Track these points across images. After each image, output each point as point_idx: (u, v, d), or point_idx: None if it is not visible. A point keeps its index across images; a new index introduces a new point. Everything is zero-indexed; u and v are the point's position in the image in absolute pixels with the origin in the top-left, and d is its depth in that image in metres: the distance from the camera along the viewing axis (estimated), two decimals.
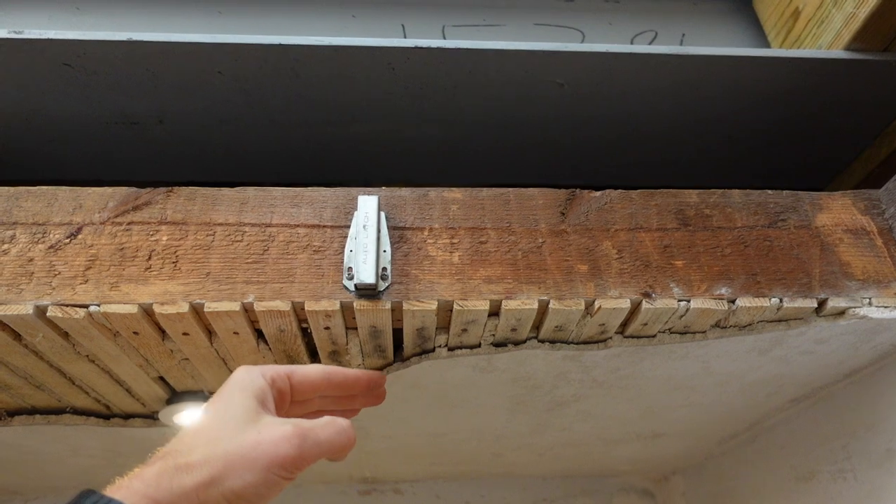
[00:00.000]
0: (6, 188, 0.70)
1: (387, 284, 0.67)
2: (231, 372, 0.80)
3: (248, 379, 0.51)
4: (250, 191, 0.73)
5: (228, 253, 0.68)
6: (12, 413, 0.89)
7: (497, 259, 0.71)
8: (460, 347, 0.76)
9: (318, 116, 0.95)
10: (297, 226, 0.71)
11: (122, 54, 0.80)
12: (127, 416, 0.93)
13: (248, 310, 0.66)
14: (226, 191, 0.72)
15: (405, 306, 0.67)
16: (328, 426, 0.49)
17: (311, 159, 1.03)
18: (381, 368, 0.80)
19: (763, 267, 0.73)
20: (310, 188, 0.74)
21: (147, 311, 0.65)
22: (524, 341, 0.75)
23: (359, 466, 1.31)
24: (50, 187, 0.71)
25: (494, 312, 0.70)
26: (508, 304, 0.68)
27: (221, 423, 0.46)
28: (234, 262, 0.67)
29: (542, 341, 0.76)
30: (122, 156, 0.99)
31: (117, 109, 0.90)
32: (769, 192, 0.79)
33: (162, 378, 0.82)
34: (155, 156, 0.99)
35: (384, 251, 0.69)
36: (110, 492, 0.41)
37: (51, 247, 0.67)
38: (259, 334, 0.71)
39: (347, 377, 0.57)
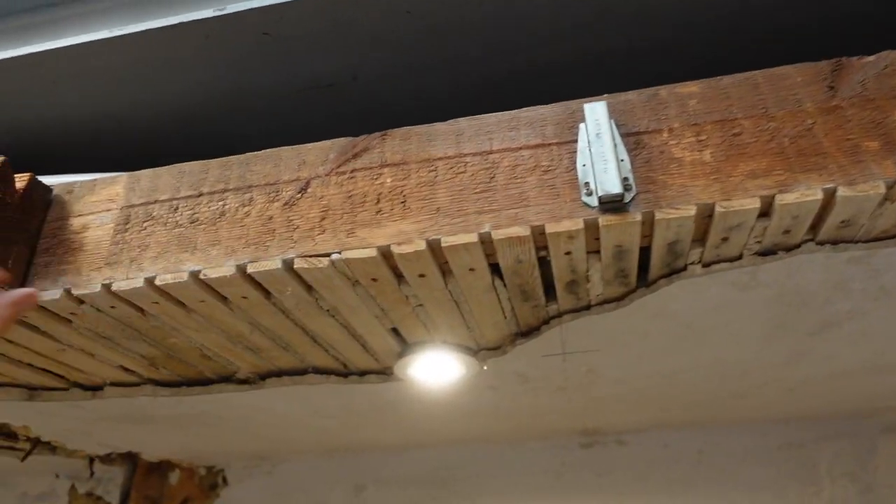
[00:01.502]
0: (238, 156, 0.72)
1: (632, 195, 0.59)
2: (462, 316, 0.77)
3: None
4: (463, 122, 0.69)
5: (454, 186, 0.64)
6: (263, 376, 0.95)
7: (758, 150, 0.60)
8: (718, 261, 0.66)
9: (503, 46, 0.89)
10: (520, 148, 0.65)
11: (316, 10, 0.79)
12: (363, 373, 0.95)
13: (484, 241, 0.62)
14: (438, 125, 0.69)
15: (658, 216, 0.58)
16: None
17: (498, 93, 0.97)
18: (622, 298, 0.73)
19: None
20: (524, 109, 0.68)
21: (385, 254, 0.63)
22: (798, 245, 0.63)
23: (581, 416, 1.26)
24: (274, 149, 0.72)
25: (764, 213, 0.59)
26: (783, 199, 0.57)
27: None
28: (462, 195, 0.64)
29: (822, 243, 0.63)
30: (317, 123, 1.01)
31: (312, 74, 0.91)
32: None
33: (395, 330, 0.81)
34: (349, 117, 1.00)
35: (621, 160, 0.61)
36: None
37: (285, 203, 0.68)
38: (494, 270, 0.67)
39: None
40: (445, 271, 0.67)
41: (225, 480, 1.58)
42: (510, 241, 0.61)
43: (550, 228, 0.60)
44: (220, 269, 0.65)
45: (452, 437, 1.38)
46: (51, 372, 0.89)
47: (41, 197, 0.73)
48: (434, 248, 0.62)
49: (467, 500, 1.43)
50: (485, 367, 0.90)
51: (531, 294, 0.71)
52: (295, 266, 0.64)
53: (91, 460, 1.42)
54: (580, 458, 1.42)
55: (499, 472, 1.45)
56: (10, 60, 0.86)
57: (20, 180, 0.71)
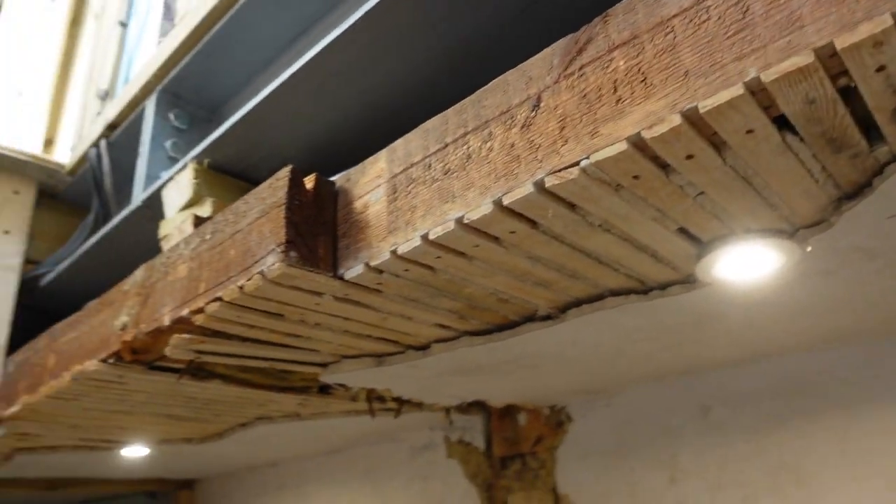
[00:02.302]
0: (468, 98, 0.72)
1: None
2: (758, 194, 0.65)
3: None
4: None
5: (699, 39, 0.53)
6: (563, 309, 0.94)
7: None
8: None
9: None
10: None
11: None
12: (664, 286, 0.87)
13: (754, 90, 0.50)
14: None
15: None
16: None
17: None
18: None
19: None
20: None
21: (637, 144, 0.56)
22: None
23: None
24: (499, 77, 0.69)
25: None
26: None
27: None
28: (712, 46, 0.52)
29: None
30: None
31: None
32: None
33: (683, 230, 0.72)
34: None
35: None
36: None
37: (522, 126, 0.65)
38: (780, 123, 0.54)
39: None
40: (717, 144, 0.56)
41: (569, 417, 1.64)
42: (789, 78, 0.48)
43: (843, 42, 0.45)
44: (478, 209, 0.66)
45: (797, 340, 1.19)
46: (385, 339, 1.02)
47: (328, 191, 0.83)
48: (692, 118, 0.53)
49: (840, 408, 1.23)
50: (808, 249, 0.74)
51: (843, 140, 0.55)
52: (547, 185, 0.61)
53: (447, 411, 1.61)
54: None
55: (869, 373, 1.20)
56: (282, 87, 1.00)
57: (309, 181, 0.82)
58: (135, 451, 1.97)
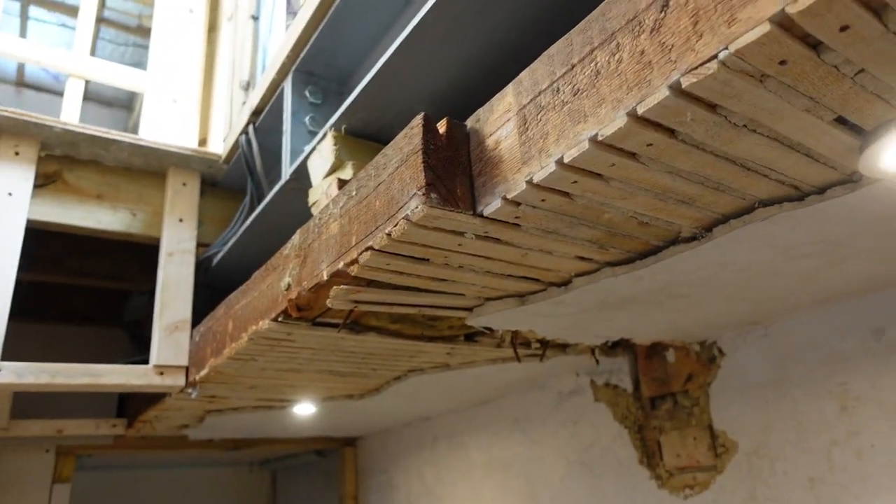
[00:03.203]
0: (591, 14, 0.70)
1: None
2: None
3: None
4: None
5: None
6: (708, 228, 0.90)
7: None
8: None
9: None
10: None
11: None
12: (822, 190, 0.81)
13: None
14: None
15: None
16: None
17: None
18: None
19: None
20: None
21: (782, 24, 0.52)
22: None
23: None
24: None
25: None
26: None
27: None
28: None
29: None
30: None
31: None
32: None
33: (841, 119, 0.67)
34: None
35: None
36: None
37: (652, 30, 0.63)
38: None
39: None
40: (876, 7, 0.51)
41: (721, 352, 1.58)
42: None
43: None
44: (612, 124, 0.65)
45: None
46: (526, 277, 1.04)
47: (461, 133, 0.86)
48: None
49: None
50: None
51: None
52: (683, 86, 0.59)
53: (592, 352, 1.61)
54: None
55: None
56: (405, 43, 1.04)
57: (441, 126, 0.85)
58: (304, 409, 2.17)
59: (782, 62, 0.56)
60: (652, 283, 1.07)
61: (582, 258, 0.98)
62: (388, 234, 0.86)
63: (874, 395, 1.29)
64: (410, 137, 0.84)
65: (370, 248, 0.90)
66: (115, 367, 1.69)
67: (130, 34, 5.79)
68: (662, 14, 0.62)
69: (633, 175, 0.74)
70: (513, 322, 1.26)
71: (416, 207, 0.80)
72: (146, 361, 1.74)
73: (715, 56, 0.56)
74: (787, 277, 1.13)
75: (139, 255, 2.23)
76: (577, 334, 1.42)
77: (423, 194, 0.79)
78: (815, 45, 0.55)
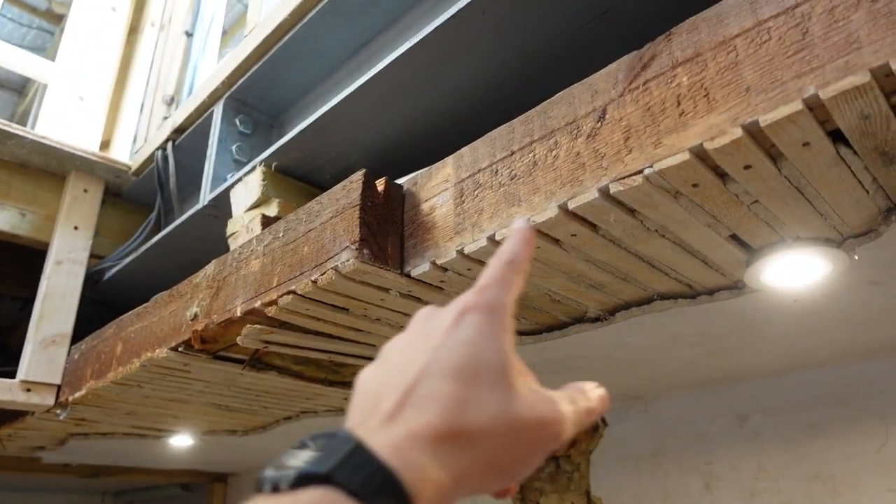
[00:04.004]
0: (535, 108, 0.77)
1: None
2: (810, 203, 0.69)
3: (500, 318, 0.35)
4: None
5: (760, 59, 0.58)
6: (612, 312, 0.98)
7: None
8: None
9: None
10: None
11: None
12: (711, 292, 0.91)
13: (812, 106, 0.54)
14: (725, 2, 0.63)
15: None
16: (587, 400, 0.39)
17: None
18: None
19: None
20: None
21: (699, 155, 0.60)
22: None
23: None
24: (565, 90, 0.74)
25: None
26: None
27: (489, 376, 0.33)
28: (772, 64, 0.57)
29: None
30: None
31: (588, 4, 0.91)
32: None
33: (735, 237, 0.76)
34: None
35: None
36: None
37: (588, 136, 0.70)
38: (835, 137, 0.58)
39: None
40: (774, 155, 0.61)
41: (604, 422, 1.68)
42: (846, 95, 0.52)
43: None
44: (544, 212, 0.71)
45: (839, 350, 1.22)
46: None
47: (397, 193, 0.89)
48: (753, 131, 0.57)
49: (878, 419, 1.25)
50: (856, 258, 0.78)
51: (894, 154, 0.59)
52: (611, 192, 0.66)
53: None
54: None
55: None
56: (348, 98, 1.07)
57: (380, 184, 0.88)
58: (180, 441, 2.06)
59: (695, 185, 0.64)
60: (554, 353, 1.14)
61: None
62: (314, 282, 0.87)
63: (734, 477, 1.42)
64: (349, 191, 0.87)
65: (292, 291, 0.90)
66: None
67: (37, 16, 5.42)
68: (599, 124, 0.69)
69: (554, 258, 0.80)
70: None
71: (348, 260, 0.82)
72: (10, 374, 1.59)
73: (641, 171, 0.63)
74: (671, 361, 1.24)
75: (17, 258, 2.06)
76: None
77: (357, 248, 0.81)
78: (722, 175, 0.64)
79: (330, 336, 1.07)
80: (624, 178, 0.65)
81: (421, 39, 0.96)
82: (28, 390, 1.56)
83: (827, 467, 1.32)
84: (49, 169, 1.79)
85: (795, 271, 0.82)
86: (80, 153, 1.75)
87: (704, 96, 0.61)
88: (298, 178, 1.26)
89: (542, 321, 1.02)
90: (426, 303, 0.92)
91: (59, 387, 1.60)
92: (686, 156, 0.60)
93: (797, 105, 0.54)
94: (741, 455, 1.43)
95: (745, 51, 0.59)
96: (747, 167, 0.61)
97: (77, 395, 1.50)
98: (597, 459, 1.67)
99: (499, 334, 0.34)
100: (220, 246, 1.29)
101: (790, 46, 0.56)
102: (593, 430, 1.68)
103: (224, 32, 2.37)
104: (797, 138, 0.57)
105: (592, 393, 0.40)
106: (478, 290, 0.36)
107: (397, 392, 0.32)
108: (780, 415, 1.39)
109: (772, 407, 1.40)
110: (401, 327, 1.02)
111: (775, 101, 0.56)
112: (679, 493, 1.51)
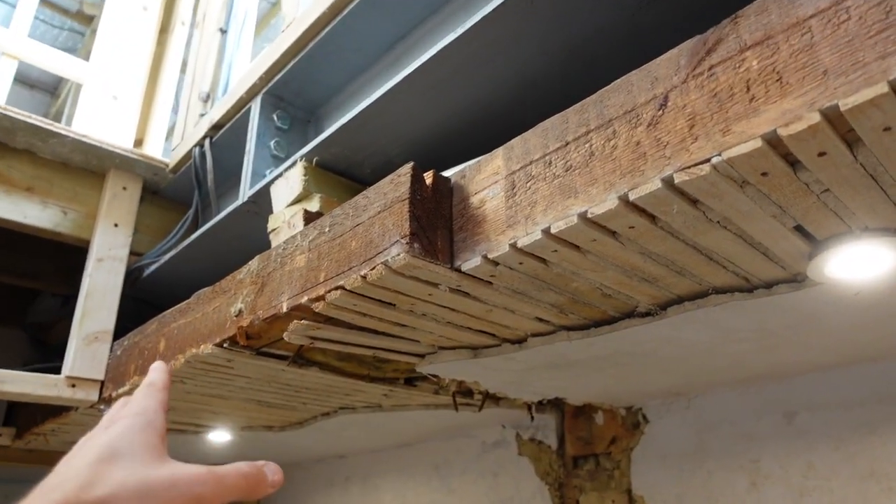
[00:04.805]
0: (590, 97, 0.75)
1: None
2: (883, 191, 0.66)
3: (143, 419, 0.50)
4: None
5: (839, 39, 0.55)
6: (664, 306, 0.96)
7: None
8: None
9: None
10: None
11: None
12: (770, 285, 0.88)
13: None
14: None
15: None
16: (235, 471, 0.48)
17: None
18: None
19: None
20: None
21: (771, 142, 0.58)
22: None
23: None
24: (622, 78, 0.72)
25: None
26: None
27: (123, 456, 0.45)
28: (853, 45, 0.54)
29: None
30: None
31: None
32: None
33: (799, 228, 0.74)
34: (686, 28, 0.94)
35: None
36: None
37: (648, 124, 0.68)
38: None
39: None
40: (851, 141, 0.58)
41: (645, 418, 1.65)
42: None
43: None
44: (603, 204, 0.69)
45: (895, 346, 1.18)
46: (484, 332, 1.06)
47: (445, 186, 0.88)
48: (831, 116, 0.55)
49: None
50: None
51: None
52: (675, 181, 0.64)
53: (529, 407, 1.64)
54: None
55: None
56: (389, 91, 1.06)
57: (427, 178, 0.87)
58: (219, 437, 2.07)
59: (764, 174, 0.62)
60: (601, 349, 1.11)
61: (541, 320, 1.01)
62: (363, 277, 0.86)
63: (782, 475, 1.39)
64: (397, 185, 0.86)
65: (341, 287, 0.89)
66: (19, 375, 1.56)
67: (68, 18, 5.52)
68: (660, 112, 0.67)
69: (609, 251, 0.78)
70: (461, 372, 1.27)
71: (398, 255, 0.81)
72: (50, 370, 1.62)
73: (708, 160, 0.61)
74: (719, 357, 1.21)
75: (56, 255, 2.09)
76: (519, 390, 1.45)
77: (407, 243, 0.80)
78: (793, 164, 0.61)
79: (374, 332, 1.06)
80: (689, 167, 0.63)
81: (465, 31, 0.95)
82: (73, 386, 1.58)
83: (881, 466, 1.27)
84: (89, 167, 1.82)
85: (861, 263, 0.79)
86: (119, 151, 1.77)
87: (777, 80, 0.58)
88: (338, 173, 1.26)
89: (590, 316, 1.00)
90: (474, 297, 0.91)
91: (102, 382, 1.62)
92: (758, 143, 0.58)
93: (882, 87, 0.51)
94: (789, 453, 1.39)
95: (821, 32, 0.57)
96: (822, 154, 0.59)
97: (120, 390, 1.52)
98: (637, 457, 1.64)
99: (140, 431, 0.48)
100: (258, 242, 1.29)
101: (872, 26, 0.54)
102: (634, 425, 1.66)
103: None
104: (878, 123, 0.54)
105: (245, 468, 0.49)
106: (124, 403, 0.54)
107: (57, 474, 0.44)
108: (830, 411, 1.35)
109: (821, 403, 1.36)
110: (447, 322, 1.01)
111: (857, 83, 0.53)
112: (724, 492, 1.47)
